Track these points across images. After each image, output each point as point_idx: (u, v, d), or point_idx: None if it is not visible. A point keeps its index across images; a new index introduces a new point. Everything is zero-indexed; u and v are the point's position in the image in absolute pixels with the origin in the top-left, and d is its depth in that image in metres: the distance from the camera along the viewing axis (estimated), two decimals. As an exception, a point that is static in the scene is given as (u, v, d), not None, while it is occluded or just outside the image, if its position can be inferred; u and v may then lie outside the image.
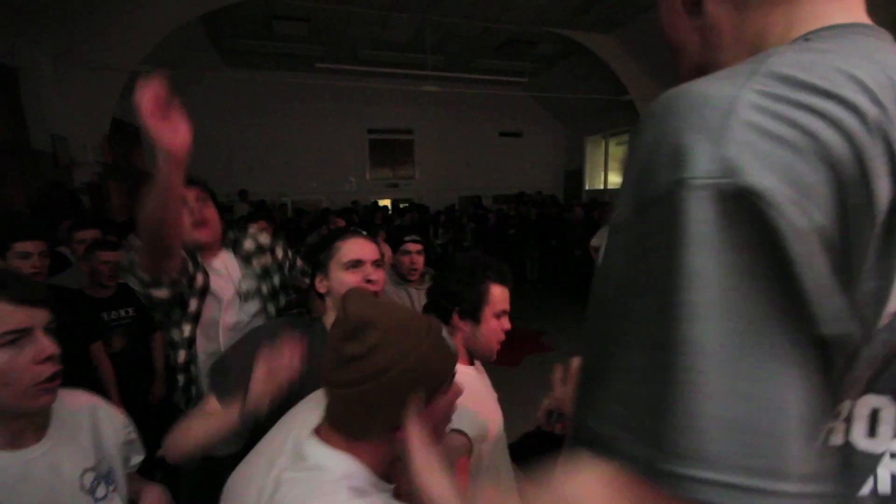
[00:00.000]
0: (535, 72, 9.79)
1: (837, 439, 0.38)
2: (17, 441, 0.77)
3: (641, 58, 8.06)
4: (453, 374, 0.71)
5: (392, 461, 0.68)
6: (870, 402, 0.37)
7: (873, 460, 0.38)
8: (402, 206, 10.36)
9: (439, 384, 0.68)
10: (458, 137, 11.17)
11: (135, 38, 5.69)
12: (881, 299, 0.33)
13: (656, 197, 0.34)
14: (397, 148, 11.14)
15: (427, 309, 1.18)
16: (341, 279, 1.13)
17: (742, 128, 0.32)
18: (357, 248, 1.15)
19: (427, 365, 0.65)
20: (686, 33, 0.55)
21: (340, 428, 0.66)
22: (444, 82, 7.92)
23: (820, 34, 0.41)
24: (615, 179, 10.96)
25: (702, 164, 0.31)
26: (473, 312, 1.11)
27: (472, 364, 1.18)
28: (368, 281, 1.12)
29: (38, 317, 0.76)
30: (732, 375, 0.30)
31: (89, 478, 0.83)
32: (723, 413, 0.30)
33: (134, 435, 1.02)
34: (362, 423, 0.64)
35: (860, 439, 0.38)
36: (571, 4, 6.54)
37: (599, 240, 4.73)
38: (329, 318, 1.15)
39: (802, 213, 0.30)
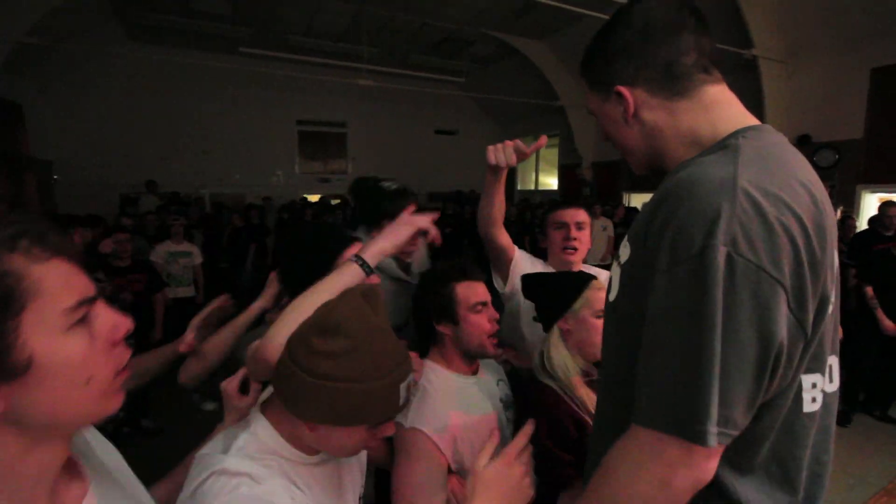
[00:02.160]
0: (471, 72, 9.84)
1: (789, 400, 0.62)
2: None
3: (572, 66, 8.40)
4: (387, 422, 0.71)
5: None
6: (809, 378, 0.63)
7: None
8: (333, 202, 9.93)
9: (378, 419, 0.69)
10: (393, 133, 10.93)
11: (19, 4, 4.84)
12: (818, 320, 0.58)
13: (693, 253, 0.54)
14: (329, 141, 10.65)
15: (416, 327, 1.25)
16: None
17: (741, 212, 0.53)
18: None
19: (368, 400, 0.66)
20: (630, 139, 0.74)
21: (286, 404, 0.68)
22: (380, 76, 7.68)
23: (747, 134, 0.64)
24: (545, 180, 11.37)
25: (720, 235, 0.53)
26: (447, 314, 1.15)
27: (472, 365, 1.22)
28: None
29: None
30: (725, 376, 0.53)
31: None
32: (719, 397, 0.52)
33: None
34: (298, 408, 0.67)
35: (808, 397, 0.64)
36: (508, 8, 6.62)
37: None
38: None
39: (775, 267, 0.53)
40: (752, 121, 0.68)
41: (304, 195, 10.19)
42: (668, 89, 0.68)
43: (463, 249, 8.38)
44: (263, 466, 0.67)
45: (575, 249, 1.51)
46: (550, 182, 11.04)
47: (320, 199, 9.90)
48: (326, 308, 0.68)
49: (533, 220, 7.04)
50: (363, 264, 0.86)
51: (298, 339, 0.67)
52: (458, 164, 11.78)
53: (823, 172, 5.61)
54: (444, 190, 11.14)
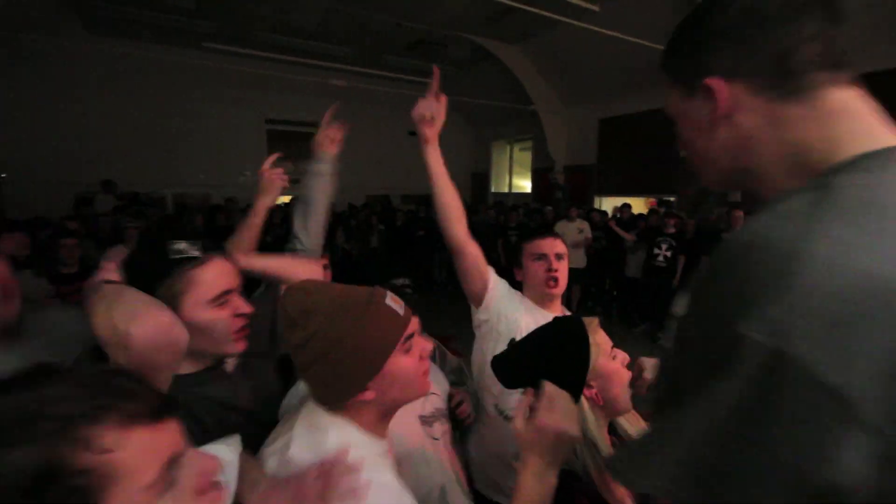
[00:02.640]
0: (446, 74, 9.78)
1: None
2: None
3: (545, 71, 8.48)
4: (409, 333, 0.75)
5: (384, 415, 0.77)
6: None
7: None
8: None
9: (389, 346, 0.72)
10: (366, 134, 10.78)
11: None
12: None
13: (725, 340, 0.38)
14: (300, 141, 10.42)
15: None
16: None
17: (799, 296, 0.36)
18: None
19: (369, 334, 0.70)
20: (712, 148, 0.57)
21: (319, 402, 0.74)
22: (353, 77, 7.56)
23: (871, 164, 0.44)
24: (519, 183, 11.46)
25: (759, 324, 0.36)
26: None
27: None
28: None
29: None
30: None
31: None
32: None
33: None
34: (330, 397, 0.73)
35: None
36: (484, 12, 6.61)
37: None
38: None
39: (834, 373, 0.33)
40: (890, 138, 0.47)
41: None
42: (776, 87, 0.50)
43: (435, 252, 8.35)
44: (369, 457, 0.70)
45: (557, 281, 1.43)
46: (524, 185, 11.12)
47: (291, 199, 9.68)
48: (282, 313, 0.73)
49: (507, 222, 7.04)
50: None
51: (293, 355, 0.73)
52: (432, 167, 11.74)
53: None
54: (418, 192, 11.08)
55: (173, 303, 0.83)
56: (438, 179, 1.40)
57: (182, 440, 0.45)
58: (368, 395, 0.72)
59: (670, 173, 7.31)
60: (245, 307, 0.93)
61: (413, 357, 0.76)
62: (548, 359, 0.86)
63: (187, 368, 0.91)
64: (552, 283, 1.43)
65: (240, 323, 0.92)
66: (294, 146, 10.28)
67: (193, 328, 0.81)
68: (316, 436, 0.71)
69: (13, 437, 0.34)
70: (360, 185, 10.71)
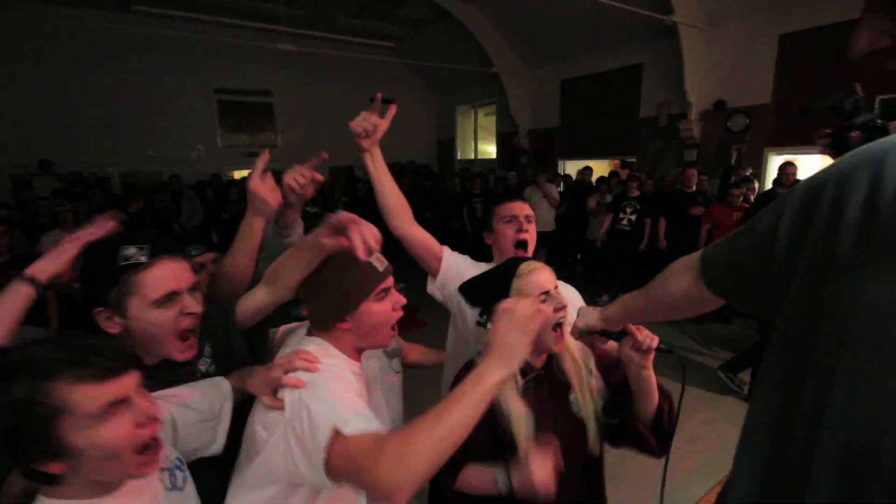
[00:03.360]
0: (403, 37, 9.43)
1: None
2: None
3: (504, 31, 8.26)
4: (384, 287, 0.96)
5: (357, 347, 0.98)
6: None
7: None
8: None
9: (364, 292, 0.93)
10: (325, 102, 10.35)
11: None
12: None
13: None
14: (255, 111, 9.91)
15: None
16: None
17: None
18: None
19: (349, 281, 0.92)
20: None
21: (312, 326, 0.99)
22: (304, 40, 7.16)
23: None
24: (485, 148, 11.35)
25: None
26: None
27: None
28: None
29: None
30: None
31: (165, 476, 0.80)
32: None
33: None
34: (318, 322, 0.97)
35: None
36: (437, -33, 6.32)
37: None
38: None
39: None
40: None
41: (231, 170, 9.54)
42: None
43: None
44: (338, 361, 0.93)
45: (526, 244, 1.47)
46: (490, 150, 11.03)
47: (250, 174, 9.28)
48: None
49: (472, 189, 7.00)
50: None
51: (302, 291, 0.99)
52: (395, 134, 11.33)
53: (735, 136, 5.99)
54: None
55: (120, 309, 0.89)
56: (379, 184, 1.39)
57: (132, 387, 0.67)
58: (345, 325, 0.93)
59: (632, 134, 7.40)
60: (195, 306, 0.93)
61: (385, 305, 0.96)
62: (487, 288, 1.12)
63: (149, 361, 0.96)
64: (521, 246, 1.47)
65: (187, 322, 0.93)
66: (245, 116, 9.81)
67: (139, 331, 0.90)
68: (301, 346, 0.94)
69: (10, 378, 0.60)
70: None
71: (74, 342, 0.65)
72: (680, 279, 0.81)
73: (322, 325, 0.96)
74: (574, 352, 1.10)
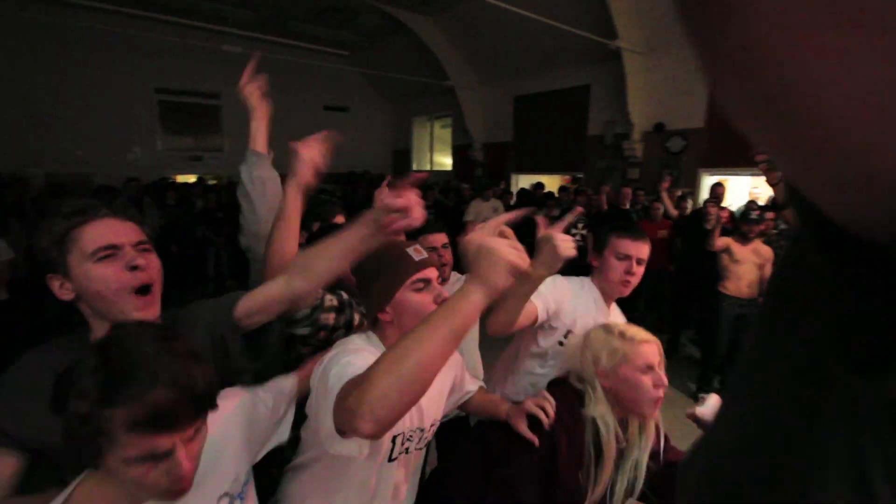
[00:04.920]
0: (358, 45, 9.37)
1: None
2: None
3: (460, 46, 8.41)
4: (421, 277, 0.98)
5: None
6: None
7: None
8: (211, 182, 8.92)
9: (399, 281, 0.97)
10: (277, 108, 9.95)
11: None
12: None
13: None
14: (200, 114, 9.44)
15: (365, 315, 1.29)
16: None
17: None
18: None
19: (384, 271, 0.97)
20: None
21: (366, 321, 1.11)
22: (254, 43, 6.92)
23: None
24: (440, 160, 11.43)
25: None
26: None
27: None
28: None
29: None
30: None
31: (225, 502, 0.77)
32: None
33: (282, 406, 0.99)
34: (368, 315, 1.05)
35: None
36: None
37: None
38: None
39: None
40: None
41: (173, 174, 9.00)
42: None
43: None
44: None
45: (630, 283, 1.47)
46: (446, 162, 11.13)
47: (197, 179, 8.80)
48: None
49: (425, 199, 6.99)
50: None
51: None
52: (351, 143, 11.27)
53: (674, 157, 6.38)
54: (337, 171, 10.64)
55: (64, 268, 0.83)
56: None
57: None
58: (387, 317, 0.98)
59: (581, 152, 7.71)
60: (138, 259, 0.86)
61: (423, 297, 0.97)
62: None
63: None
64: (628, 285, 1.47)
65: (138, 278, 0.86)
66: (190, 119, 9.33)
67: (85, 290, 0.83)
68: (350, 341, 0.98)
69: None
70: (273, 164, 10.00)
71: None
72: None
73: (371, 319, 1.02)
74: (650, 423, 1.16)
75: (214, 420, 0.70)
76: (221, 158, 9.67)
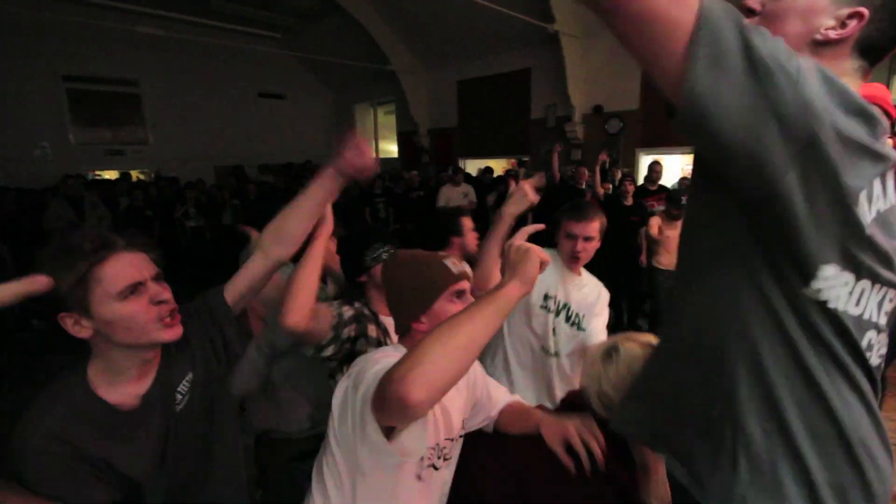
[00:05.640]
0: (291, 28, 8.89)
1: None
2: None
3: (398, 29, 8.20)
4: (459, 289, 0.98)
5: None
6: None
7: None
8: (139, 178, 8.24)
9: (437, 291, 0.97)
10: (206, 95, 9.38)
11: None
12: None
13: None
14: (117, 104, 8.62)
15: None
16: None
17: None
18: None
19: (423, 280, 0.98)
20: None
21: (396, 332, 1.07)
22: (173, 25, 6.37)
23: None
24: (386, 147, 11.20)
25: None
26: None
27: None
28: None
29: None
30: None
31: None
32: None
33: None
34: (399, 324, 1.03)
35: None
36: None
37: None
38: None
39: None
40: None
41: (89, 171, 8.22)
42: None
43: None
44: None
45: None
46: (392, 149, 10.92)
47: (120, 175, 8.06)
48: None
49: (372, 190, 6.83)
50: None
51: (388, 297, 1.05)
52: (289, 133, 10.78)
53: (612, 139, 6.60)
54: (276, 161, 10.16)
55: (85, 308, 0.81)
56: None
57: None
58: (422, 326, 0.97)
59: (525, 135, 7.81)
60: (162, 294, 0.89)
61: (459, 306, 0.97)
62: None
63: None
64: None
65: (163, 310, 0.88)
66: (105, 109, 8.50)
67: (110, 325, 0.83)
68: (381, 352, 0.96)
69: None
70: (205, 155, 9.37)
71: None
72: None
73: (404, 330, 1.01)
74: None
75: None
76: (145, 152, 8.92)
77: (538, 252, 0.85)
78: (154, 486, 0.93)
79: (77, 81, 8.01)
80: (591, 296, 1.73)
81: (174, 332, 0.90)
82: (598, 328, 1.68)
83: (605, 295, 1.76)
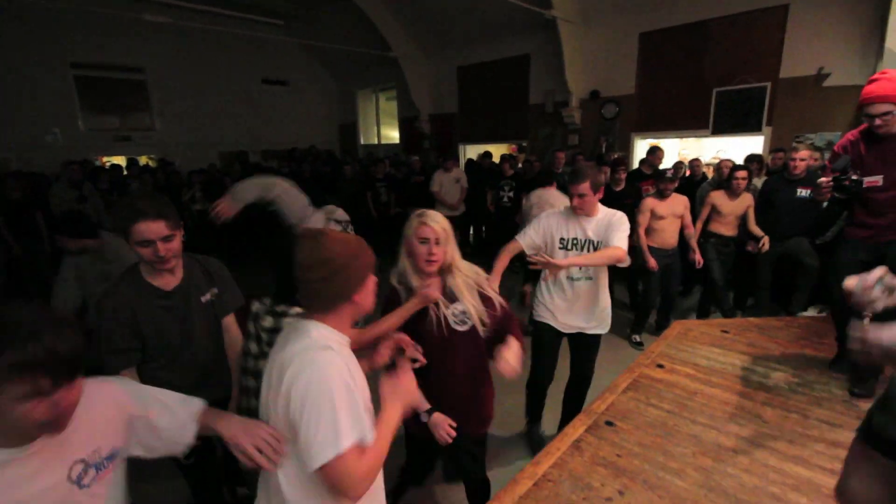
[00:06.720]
0: (293, 14, 8.98)
1: None
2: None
3: (400, 15, 8.27)
4: (371, 267, 1.10)
5: (353, 319, 1.11)
6: None
7: None
8: (146, 163, 8.45)
9: (371, 269, 1.10)
10: (211, 82, 9.52)
11: None
12: None
13: None
14: (124, 90, 8.79)
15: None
16: None
17: None
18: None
19: (361, 262, 1.07)
20: None
21: (313, 310, 1.07)
22: (178, 12, 6.50)
23: None
24: (388, 133, 11.32)
25: None
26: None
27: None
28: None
29: None
30: None
31: (77, 468, 0.89)
32: None
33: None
34: (324, 305, 1.06)
35: None
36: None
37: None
38: None
39: None
40: None
41: (99, 156, 8.45)
42: None
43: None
44: (335, 345, 1.04)
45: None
46: (393, 135, 11.04)
47: (128, 161, 8.28)
48: (306, 253, 1.03)
49: (374, 174, 7.00)
50: None
51: (304, 274, 1.03)
52: (293, 118, 10.93)
53: (609, 123, 6.72)
54: (279, 147, 10.32)
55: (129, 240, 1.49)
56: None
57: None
58: (354, 301, 1.07)
59: (524, 120, 7.92)
60: (161, 251, 1.48)
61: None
62: None
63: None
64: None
65: (158, 257, 1.48)
66: (113, 96, 8.68)
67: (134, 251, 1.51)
68: (302, 332, 1.04)
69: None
70: (210, 141, 9.56)
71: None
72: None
73: (325, 310, 1.06)
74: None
75: (89, 394, 0.88)
76: (152, 138, 9.11)
77: (404, 380, 1.16)
78: (182, 350, 1.61)
79: (85, 69, 8.18)
80: (602, 222, 2.18)
81: (166, 269, 1.54)
82: (615, 238, 2.09)
83: (618, 215, 2.18)
